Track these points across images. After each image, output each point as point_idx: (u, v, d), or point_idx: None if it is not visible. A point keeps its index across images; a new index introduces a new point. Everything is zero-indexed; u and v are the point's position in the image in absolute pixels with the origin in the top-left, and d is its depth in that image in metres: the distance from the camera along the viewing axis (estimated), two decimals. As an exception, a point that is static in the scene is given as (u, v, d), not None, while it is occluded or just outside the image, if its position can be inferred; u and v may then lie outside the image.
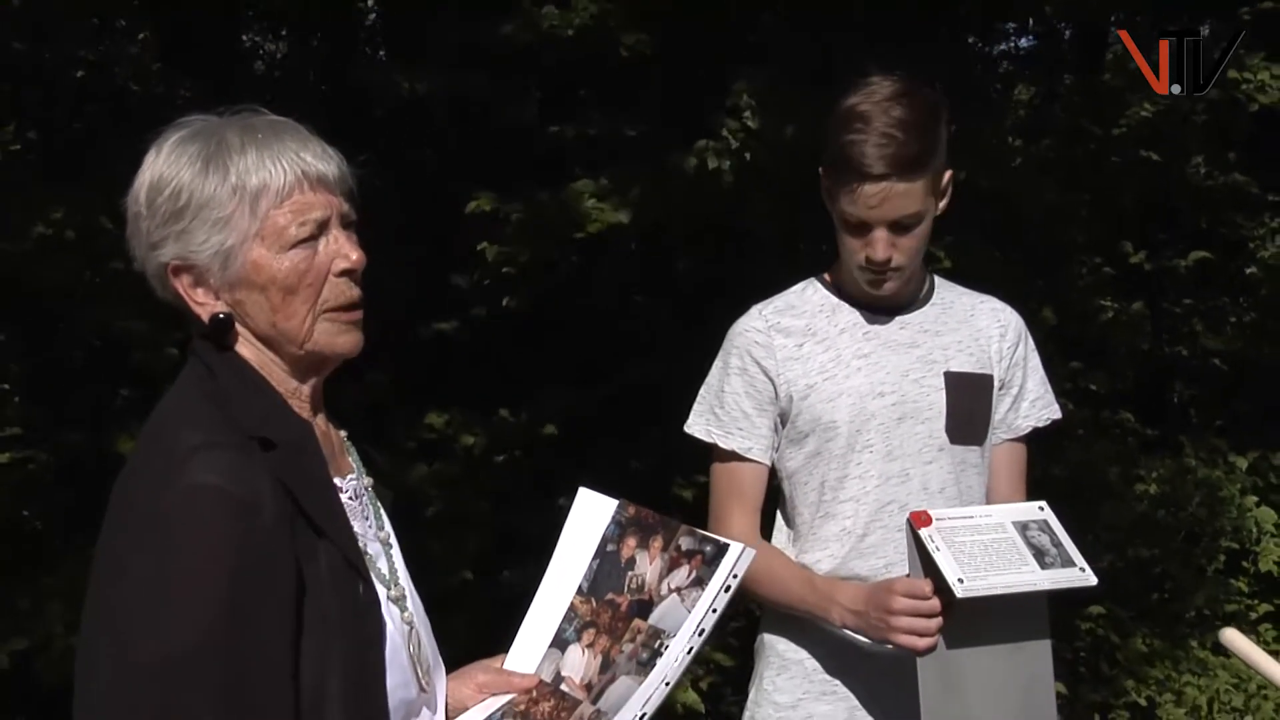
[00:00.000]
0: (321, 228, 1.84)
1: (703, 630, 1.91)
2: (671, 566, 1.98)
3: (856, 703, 2.76)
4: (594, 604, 2.04)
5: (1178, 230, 9.24)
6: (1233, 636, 2.35)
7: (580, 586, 2.07)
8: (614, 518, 2.09)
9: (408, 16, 7.82)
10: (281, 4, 8.86)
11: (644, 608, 1.98)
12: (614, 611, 2.01)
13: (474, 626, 5.54)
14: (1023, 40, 10.70)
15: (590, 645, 2.01)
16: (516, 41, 6.38)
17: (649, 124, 6.88)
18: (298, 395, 1.89)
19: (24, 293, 6.16)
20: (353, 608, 1.79)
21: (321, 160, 1.85)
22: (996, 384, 2.83)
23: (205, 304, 1.84)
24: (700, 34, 6.78)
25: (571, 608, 2.07)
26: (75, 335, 6.33)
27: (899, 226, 2.64)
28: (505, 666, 2.09)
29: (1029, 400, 2.89)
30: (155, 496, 1.70)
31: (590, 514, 2.12)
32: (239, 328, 1.85)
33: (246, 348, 1.86)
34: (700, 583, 1.94)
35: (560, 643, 2.05)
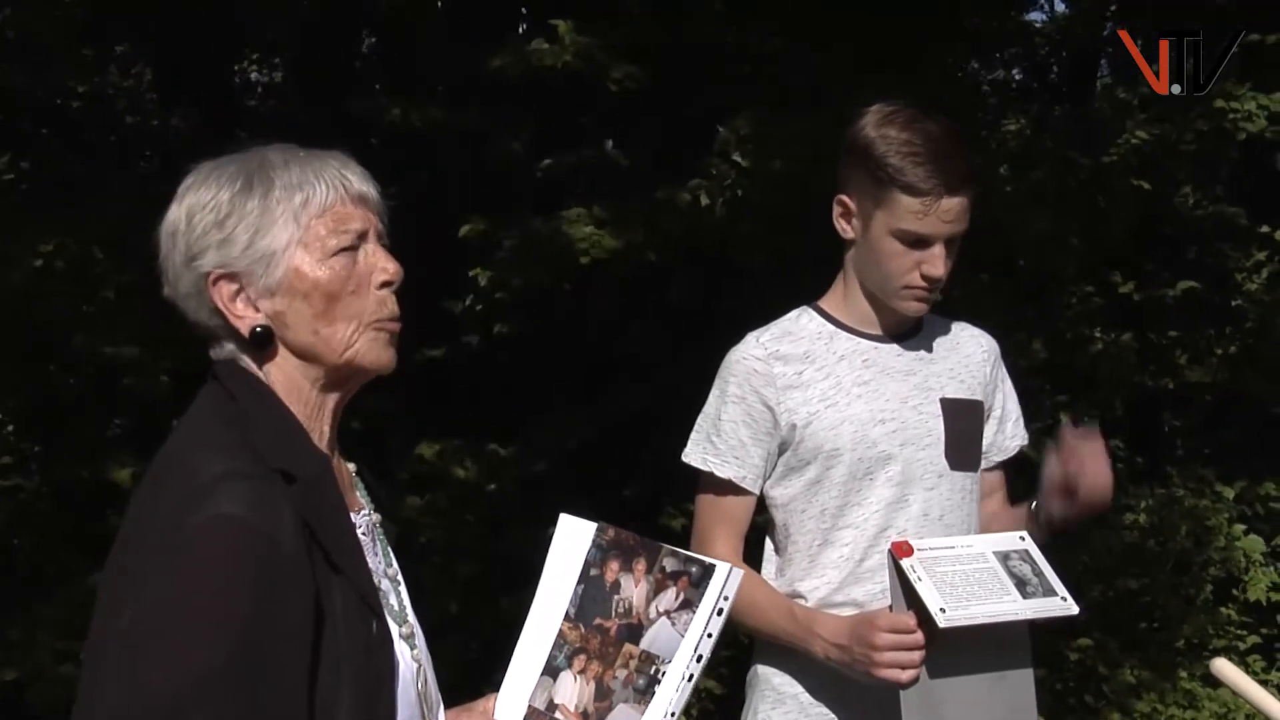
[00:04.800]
0: (360, 238, 1.86)
1: (700, 656, 1.91)
2: (658, 589, 1.97)
3: None
4: (583, 630, 2.03)
5: (1166, 260, 9.28)
6: (1223, 666, 2.34)
7: (568, 612, 2.05)
8: (594, 541, 2.07)
9: (403, 47, 7.87)
10: (278, 35, 8.91)
11: (633, 632, 1.97)
12: (603, 637, 2.00)
13: (466, 654, 5.55)
14: (1012, 74, 10.74)
15: (582, 672, 2.00)
16: (507, 73, 6.42)
17: (642, 156, 6.91)
18: (320, 418, 1.89)
19: (17, 322, 6.18)
20: (365, 645, 1.78)
21: (362, 180, 1.88)
22: (986, 409, 2.86)
23: (245, 316, 1.83)
24: (690, 66, 6.82)
25: (560, 634, 2.05)
26: (68, 365, 6.34)
27: (950, 243, 2.69)
28: (498, 705, 2.07)
29: (1012, 421, 2.93)
30: (176, 524, 1.68)
31: (571, 539, 2.10)
32: (276, 342, 1.85)
33: (278, 368, 1.86)
34: (689, 605, 1.93)
35: (551, 670, 2.03)
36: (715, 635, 1.92)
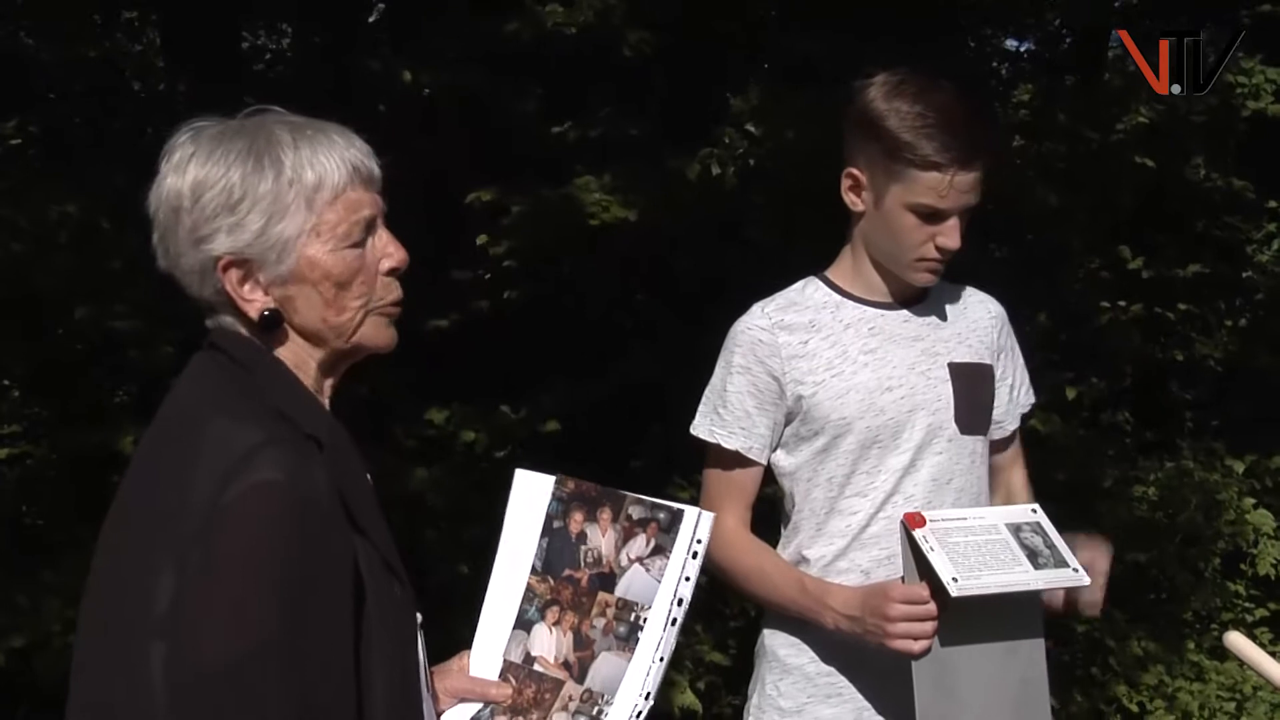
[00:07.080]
0: (370, 227, 1.86)
1: (681, 600, 1.92)
2: (626, 537, 1.98)
3: (864, 703, 2.74)
4: (551, 582, 2.03)
5: (1175, 234, 9.24)
6: (1237, 640, 2.34)
7: (534, 566, 2.06)
8: (554, 494, 2.07)
9: (412, 12, 7.82)
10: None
11: (606, 580, 1.98)
12: (575, 587, 2.01)
13: (472, 619, 5.55)
14: (1022, 45, 10.69)
15: (557, 623, 2.01)
16: (520, 38, 6.38)
17: (653, 124, 6.88)
18: (320, 394, 1.90)
19: (23, 289, 6.16)
20: (393, 606, 1.80)
21: (369, 158, 1.87)
22: (996, 373, 2.84)
23: (253, 300, 1.82)
24: (703, 37, 6.79)
25: (529, 588, 2.05)
26: (74, 333, 6.32)
27: (964, 213, 2.67)
28: (472, 661, 2.08)
29: (1023, 390, 2.94)
30: (217, 493, 1.67)
31: (530, 494, 2.10)
32: (284, 324, 1.84)
33: (285, 346, 1.86)
34: (661, 550, 1.94)
35: (524, 624, 2.04)
36: (693, 579, 1.93)
